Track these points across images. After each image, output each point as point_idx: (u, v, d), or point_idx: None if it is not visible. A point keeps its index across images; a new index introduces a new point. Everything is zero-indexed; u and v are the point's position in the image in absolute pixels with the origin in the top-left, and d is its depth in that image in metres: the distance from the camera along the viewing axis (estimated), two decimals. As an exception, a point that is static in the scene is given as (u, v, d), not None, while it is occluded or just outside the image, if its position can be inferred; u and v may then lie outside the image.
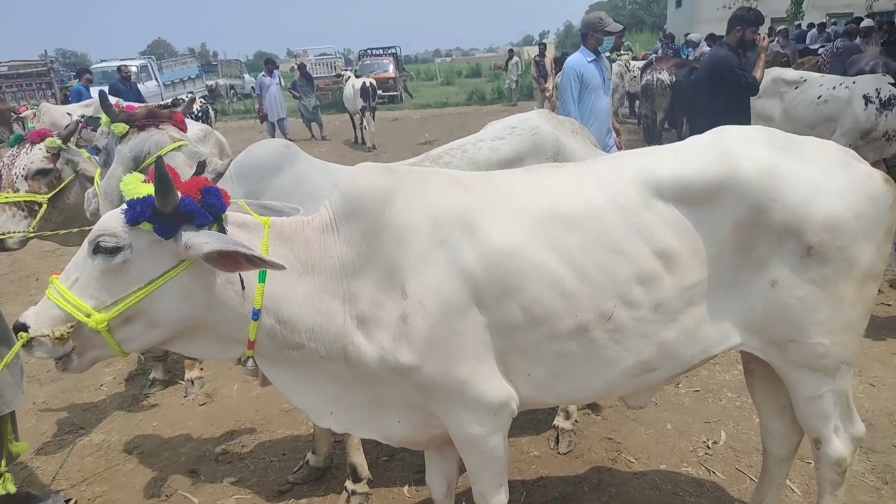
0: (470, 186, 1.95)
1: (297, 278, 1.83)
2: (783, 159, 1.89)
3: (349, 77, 14.90)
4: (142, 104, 3.90)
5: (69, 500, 3.00)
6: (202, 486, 3.07)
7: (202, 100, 9.71)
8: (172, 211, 1.62)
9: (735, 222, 1.86)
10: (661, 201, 1.90)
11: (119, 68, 14.20)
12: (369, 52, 26.32)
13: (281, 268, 1.66)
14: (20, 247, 3.00)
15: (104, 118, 2.75)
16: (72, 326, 1.67)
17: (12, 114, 12.94)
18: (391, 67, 24.08)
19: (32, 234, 2.97)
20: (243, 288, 1.76)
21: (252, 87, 20.29)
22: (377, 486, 2.94)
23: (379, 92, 22.66)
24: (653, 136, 9.79)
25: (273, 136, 15.80)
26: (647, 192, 1.90)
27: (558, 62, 17.25)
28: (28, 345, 1.68)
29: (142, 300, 1.68)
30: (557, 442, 3.13)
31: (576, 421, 3.20)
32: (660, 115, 9.52)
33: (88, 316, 1.66)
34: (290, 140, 15.50)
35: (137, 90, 12.38)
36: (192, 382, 3.98)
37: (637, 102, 12.39)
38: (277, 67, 16.01)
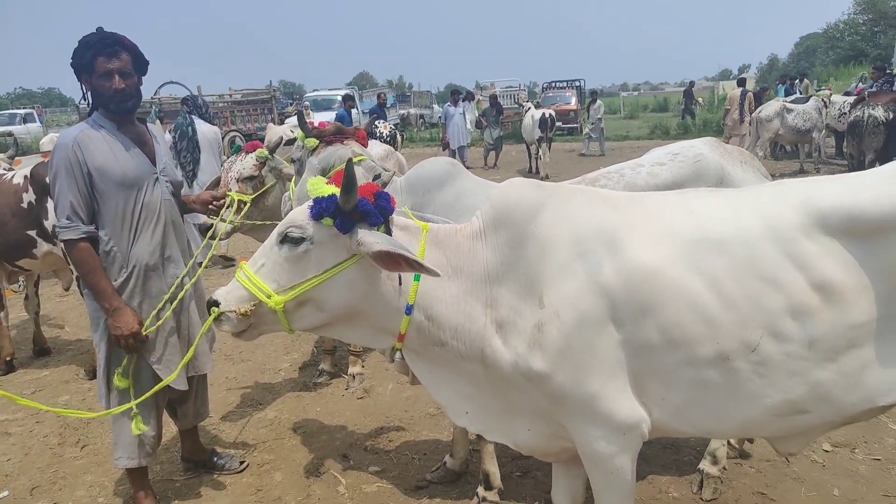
0: (617, 205, 1.98)
1: (446, 280, 1.98)
2: None
3: (529, 108, 15.25)
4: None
5: (243, 461, 3.45)
6: (350, 470, 3.35)
7: (391, 126, 10.57)
8: (351, 209, 1.85)
9: None
10: (825, 231, 1.78)
11: (378, 95, 16.81)
12: (553, 84, 26.66)
13: (436, 274, 1.83)
14: (226, 237, 3.56)
15: (300, 133, 3.20)
16: (254, 305, 1.94)
17: None
18: (573, 100, 24.17)
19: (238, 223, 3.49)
20: (400, 284, 1.96)
21: (439, 116, 21.62)
22: (507, 499, 3.00)
23: (559, 123, 22.96)
24: (860, 178, 8.74)
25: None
26: (810, 220, 1.79)
27: (756, 97, 16.04)
28: (217, 319, 1.98)
29: (315, 286, 1.91)
30: (701, 487, 2.95)
31: (724, 468, 2.99)
32: (869, 156, 8.48)
33: (269, 297, 1.91)
34: (469, 167, 16.33)
35: (385, 114, 14.44)
36: (354, 377, 4.35)
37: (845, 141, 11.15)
38: (473, 99, 16.86)
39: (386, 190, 3.02)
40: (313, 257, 1.91)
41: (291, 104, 26.47)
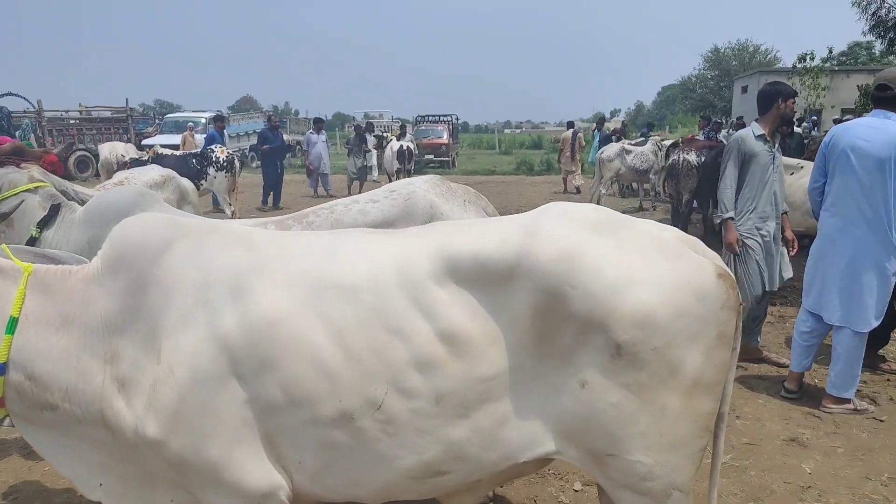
0: (255, 246, 1.78)
1: (53, 332, 1.68)
2: (594, 242, 1.63)
3: (390, 140, 15.27)
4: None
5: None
6: (51, 542, 2.88)
7: (228, 151, 10.08)
8: None
9: (533, 308, 1.61)
10: (455, 279, 1.66)
11: (269, 117, 16.17)
12: (427, 118, 27.08)
13: None
14: None
15: None
16: None
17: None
18: (445, 134, 24.63)
19: None
20: None
21: (301, 143, 21.21)
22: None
23: (430, 156, 23.29)
24: (678, 217, 9.38)
25: (315, 190, 16.35)
26: (442, 267, 1.67)
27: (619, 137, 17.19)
28: None
29: None
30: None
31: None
32: (685, 196, 9.12)
33: None
34: (332, 195, 15.99)
35: (282, 137, 14.19)
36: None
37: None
38: (372, 131, 16.54)
39: (65, 221, 2.69)
40: None
41: (152, 125, 24.94)
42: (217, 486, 1.67)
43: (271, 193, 13.73)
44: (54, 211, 2.48)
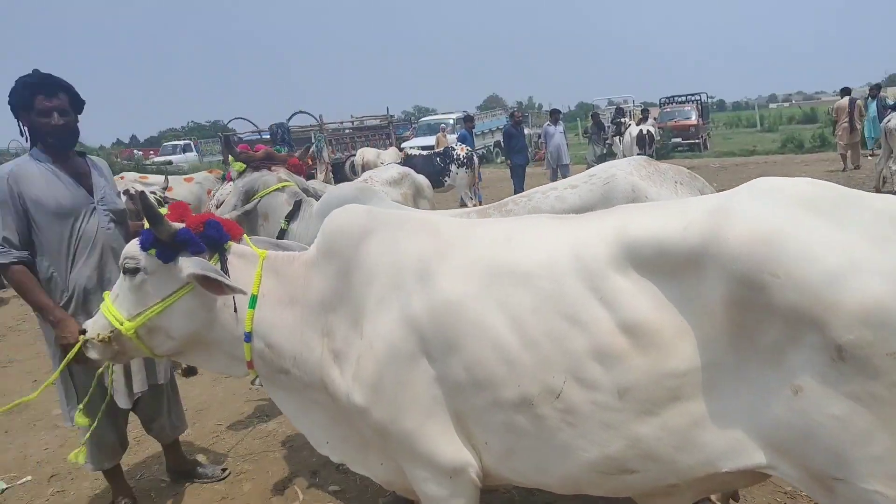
0: (441, 233, 1.91)
1: (283, 308, 2.01)
2: (805, 223, 1.41)
3: (629, 125, 14.67)
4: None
5: (225, 468, 3.65)
6: (313, 487, 3.42)
7: (467, 148, 10.70)
8: (169, 239, 1.94)
9: (726, 299, 1.46)
10: (636, 265, 1.58)
11: (512, 114, 17.35)
12: (673, 99, 25.32)
13: (241, 293, 1.91)
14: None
15: (231, 158, 3.38)
16: (112, 332, 2.05)
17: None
18: (693, 115, 22.74)
19: None
20: (236, 311, 2.01)
21: (538, 136, 21.45)
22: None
23: (678, 140, 21.79)
24: None
25: (554, 181, 16.47)
26: (622, 253, 1.60)
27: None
28: (84, 345, 2.11)
29: (157, 314, 2.00)
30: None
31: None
32: None
33: (122, 324, 2.02)
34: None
35: (523, 132, 14.93)
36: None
37: None
38: (617, 113, 16.21)
39: (305, 215, 3.14)
40: (150, 286, 2.00)
41: (409, 129, 27.53)
42: (413, 456, 1.84)
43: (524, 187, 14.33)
44: (297, 206, 2.95)
